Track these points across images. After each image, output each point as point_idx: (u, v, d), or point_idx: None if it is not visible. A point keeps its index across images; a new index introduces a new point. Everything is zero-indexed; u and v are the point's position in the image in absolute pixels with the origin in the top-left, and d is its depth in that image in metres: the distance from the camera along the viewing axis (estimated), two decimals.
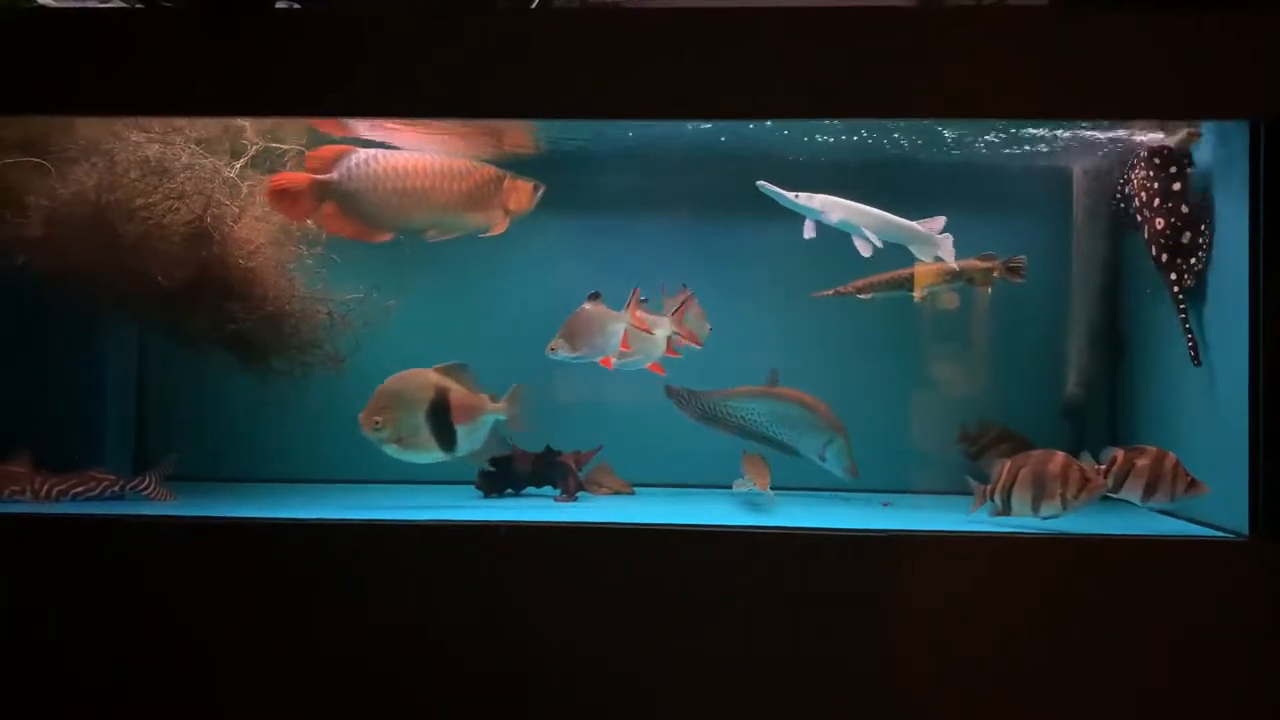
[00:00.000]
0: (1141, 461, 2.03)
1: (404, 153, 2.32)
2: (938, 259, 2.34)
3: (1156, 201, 2.18)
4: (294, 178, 2.28)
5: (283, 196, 2.26)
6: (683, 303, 2.27)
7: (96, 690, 1.85)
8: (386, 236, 2.32)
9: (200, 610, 1.85)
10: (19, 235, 2.05)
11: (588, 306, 2.19)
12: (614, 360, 2.21)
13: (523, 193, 2.36)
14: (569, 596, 1.85)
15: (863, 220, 2.30)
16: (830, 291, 2.37)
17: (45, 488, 2.09)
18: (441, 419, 2.10)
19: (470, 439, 2.14)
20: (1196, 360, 2.12)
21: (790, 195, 2.29)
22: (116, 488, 2.13)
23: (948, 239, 2.33)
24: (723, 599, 1.84)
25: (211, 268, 2.12)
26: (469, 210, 2.32)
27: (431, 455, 2.13)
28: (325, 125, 2.28)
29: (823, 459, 2.31)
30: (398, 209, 2.30)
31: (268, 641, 1.85)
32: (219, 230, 2.11)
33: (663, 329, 2.27)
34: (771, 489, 2.21)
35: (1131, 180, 2.26)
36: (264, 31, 1.85)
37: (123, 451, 2.38)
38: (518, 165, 2.37)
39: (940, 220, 2.33)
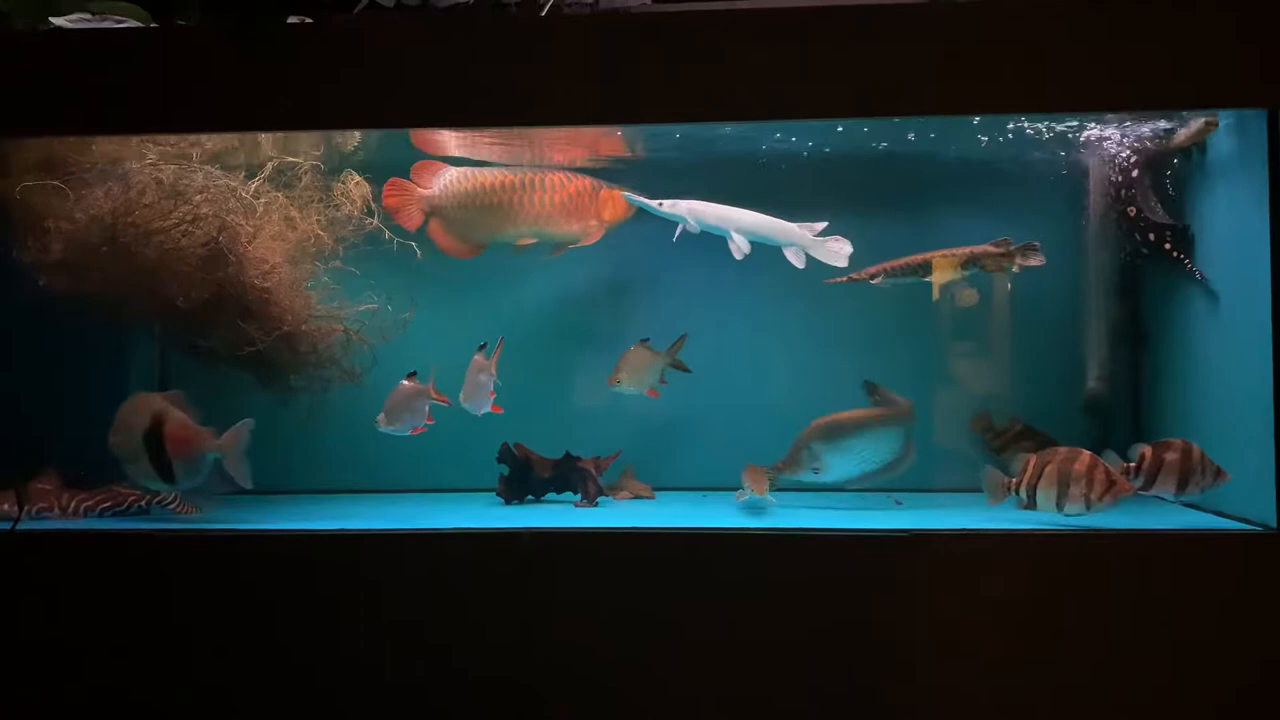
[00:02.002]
0: (1171, 456, 2.02)
1: (496, 169, 2.37)
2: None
3: (1120, 193, 2.24)
4: (407, 186, 2.35)
5: (394, 202, 2.34)
6: (497, 346, 2.30)
7: (120, 699, 1.87)
8: (477, 252, 2.39)
9: (225, 620, 1.87)
10: (39, 258, 2.07)
11: (405, 383, 2.24)
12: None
13: (618, 203, 2.38)
14: (588, 600, 1.85)
15: (730, 223, 2.31)
16: (844, 279, 2.36)
17: (73, 504, 2.12)
18: (157, 449, 2.02)
19: (189, 474, 2.04)
20: (1199, 274, 2.16)
21: (654, 204, 2.31)
22: (142, 502, 2.16)
23: (837, 242, 2.32)
24: (739, 601, 1.84)
25: (228, 288, 2.14)
26: (563, 222, 2.36)
27: (158, 484, 2.05)
28: (419, 140, 2.32)
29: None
30: (490, 224, 2.36)
31: (292, 650, 1.87)
32: (234, 251, 2.13)
33: (485, 373, 2.29)
34: (772, 494, 2.20)
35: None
36: (278, 47, 1.86)
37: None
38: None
39: (820, 225, 2.33)
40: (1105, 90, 1.81)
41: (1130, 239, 2.34)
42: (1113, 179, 2.34)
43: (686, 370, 2.38)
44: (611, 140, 2.32)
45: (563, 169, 2.40)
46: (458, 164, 2.40)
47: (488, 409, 2.28)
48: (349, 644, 1.86)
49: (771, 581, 1.85)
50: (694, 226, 2.31)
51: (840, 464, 2.24)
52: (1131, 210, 2.28)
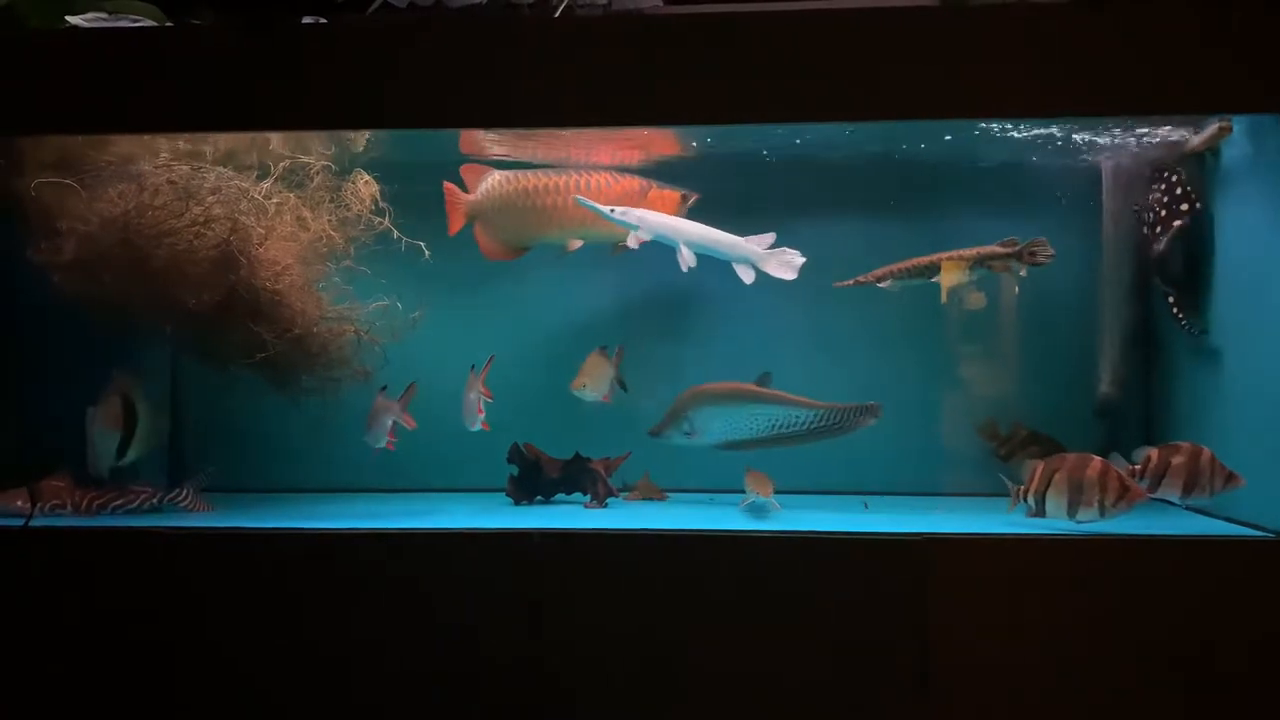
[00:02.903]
0: (1177, 459, 2.01)
1: (542, 171, 2.38)
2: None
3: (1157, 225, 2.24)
4: (452, 190, 2.38)
5: (448, 205, 2.37)
6: (487, 365, 2.31)
7: (131, 697, 1.88)
8: (520, 254, 2.40)
9: (236, 617, 1.88)
10: (52, 258, 2.08)
11: (379, 399, 2.26)
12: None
13: (669, 202, 2.38)
14: (596, 600, 1.86)
15: (679, 235, 2.31)
16: (851, 281, 2.36)
17: (85, 501, 2.12)
18: None
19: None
20: (1190, 329, 2.21)
21: (607, 209, 2.31)
22: (154, 500, 2.16)
23: (787, 254, 2.32)
24: (746, 602, 1.84)
25: (239, 289, 2.14)
26: (609, 224, 2.34)
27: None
28: (467, 144, 2.34)
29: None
30: (535, 227, 2.36)
31: (302, 647, 1.87)
32: (246, 253, 2.13)
33: (474, 391, 2.31)
34: (776, 497, 2.19)
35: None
36: (291, 47, 1.87)
37: (159, 465, 2.41)
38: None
39: (769, 237, 2.33)
40: (1117, 94, 1.81)
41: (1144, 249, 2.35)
42: (1129, 192, 2.34)
43: (624, 389, 2.38)
44: (662, 140, 2.31)
45: (611, 169, 2.39)
46: (481, 164, 2.41)
47: (478, 426, 2.29)
48: (359, 640, 1.87)
49: (778, 583, 1.85)
50: (645, 235, 2.30)
51: (712, 429, 2.34)
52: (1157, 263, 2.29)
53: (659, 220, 2.32)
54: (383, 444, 2.24)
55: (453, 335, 2.44)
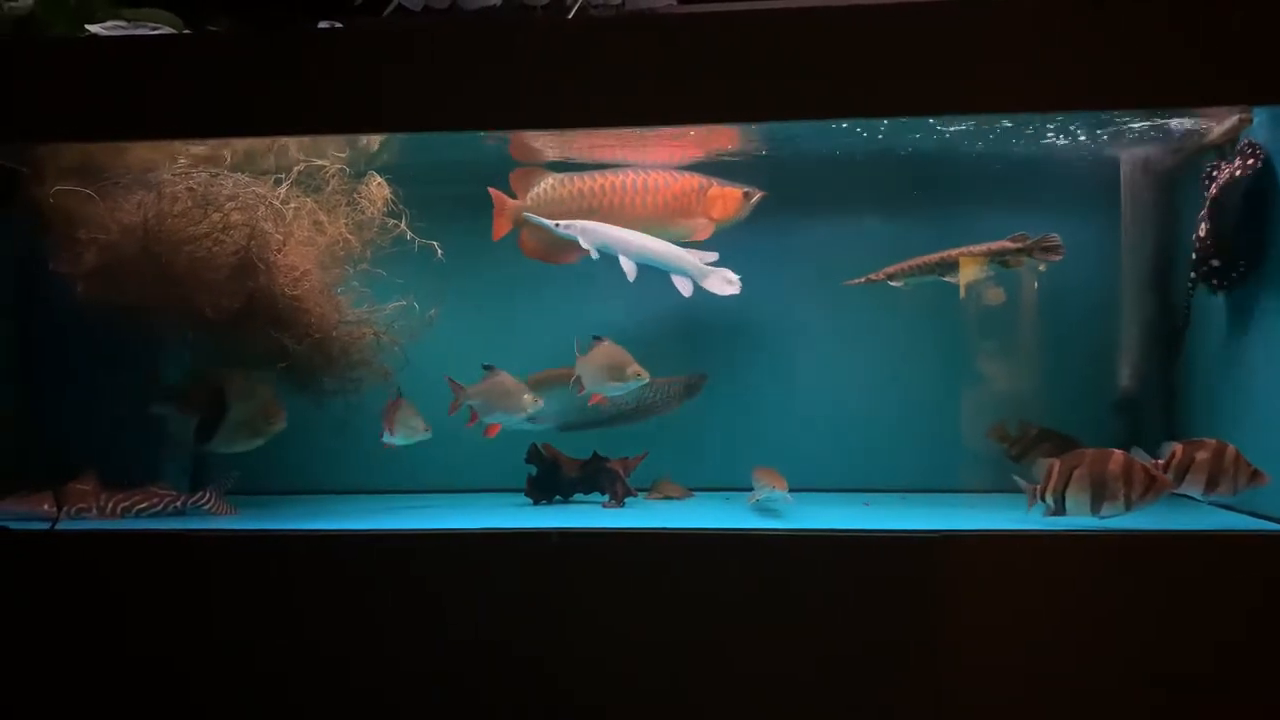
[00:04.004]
0: (1201, 455, 1.99)
1: (595, 173, 2.37)
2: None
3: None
4: (499, 197, 2.38)
5: (495, 212, 2.38)
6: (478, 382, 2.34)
7: (154, 698, 1.90)
8: (574, 258, 2.38)
9: (260, 617, 1.89)
10: (73, 265, 2.10)
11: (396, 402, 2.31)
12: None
13: (730, 200, 2.36)
14: (614, 601, 1.86)
15: (622, 245, 2.31)
16: (862, 279, 2.35)
17: (111, 504, 2.15)
18: None
19: None
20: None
21: (552, 224, 2.32)
22: (178, 503, 2.18)
23: (726, 273, 2.33)
24: (761, 601, 1.84)
25: (259, 296, 2.15)
26: (666, 222, 2.34)
27: None
28: (515, 149, 2.34)
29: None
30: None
31: (324, 646, 1.88)
32: (264, 259, 2.14)
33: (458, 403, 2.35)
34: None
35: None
36: (306, 51, 1.88)
37: (182, 468, 2.44)
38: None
39: (712, 255, 2.33)
40: (1120, 89, 1.79)
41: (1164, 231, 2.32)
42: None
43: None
44: (721, 136, 2.29)
45: (669, 168, 2.37)
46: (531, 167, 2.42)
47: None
48: (379, 640, 1.88)
49: (790, 582, 1.84)
50: (590, 248, 2.31)
51: (550, 411, 2.40)
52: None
53: (602, 231, 2.32)
54: (396, 444, 2.28)
55: (471, 336, 2.44)
